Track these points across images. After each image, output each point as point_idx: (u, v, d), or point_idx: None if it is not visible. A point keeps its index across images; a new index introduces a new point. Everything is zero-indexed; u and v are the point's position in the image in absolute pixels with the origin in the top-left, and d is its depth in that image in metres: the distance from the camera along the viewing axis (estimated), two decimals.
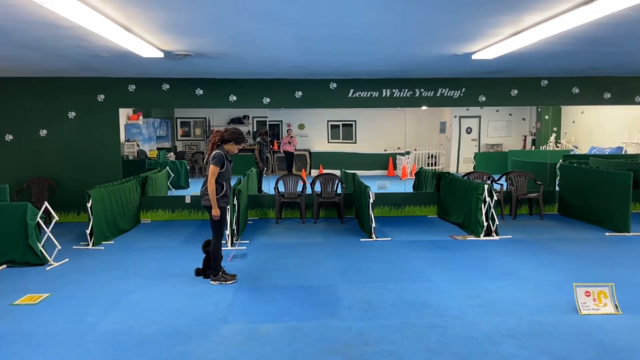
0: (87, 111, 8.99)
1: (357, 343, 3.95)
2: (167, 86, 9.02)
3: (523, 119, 18.46)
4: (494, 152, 17.42)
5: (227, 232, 7.06)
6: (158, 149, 17.27)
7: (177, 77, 8.93)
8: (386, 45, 5.87)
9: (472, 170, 15.37)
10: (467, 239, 7.58)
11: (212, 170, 5.28)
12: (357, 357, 3.71)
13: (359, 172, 10.33)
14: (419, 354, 3.76)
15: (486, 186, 7.57)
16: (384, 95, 9.36)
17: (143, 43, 5.47)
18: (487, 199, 7.52)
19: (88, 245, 7.11)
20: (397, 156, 17.39)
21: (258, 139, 13.99)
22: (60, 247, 6.44)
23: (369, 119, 18.47)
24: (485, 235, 7.57)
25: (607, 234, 7.78)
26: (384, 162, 17.71)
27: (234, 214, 7.40)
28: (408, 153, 17.50)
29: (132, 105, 9.32)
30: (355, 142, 19.36)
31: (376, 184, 11.07)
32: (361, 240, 7.55)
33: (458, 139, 17.89)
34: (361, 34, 5.26)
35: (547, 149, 17.39)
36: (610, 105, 9.85)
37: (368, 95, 9.37)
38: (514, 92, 9.44)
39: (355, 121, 19.31)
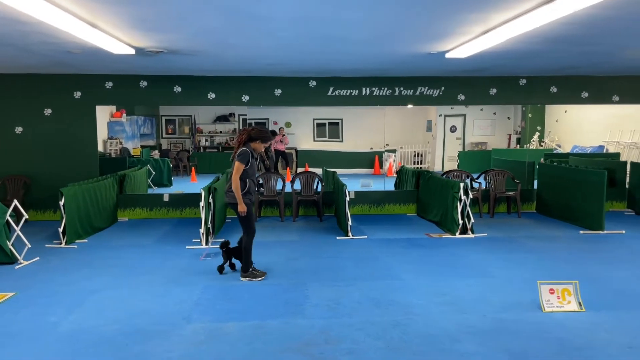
0: (64, 108, 8.90)
1: (318, 341, 3.94)
2: (145, 83, 8.95)
3: (508, 117, 18.56)
4: (478, 151, 17.50)
5: (202, 230, 7.04)
6: (142, 146, 17.16)
7: (154, 74, 8.86)
8: (357, 43, 5.86)
9: (456, 168, 15.45)
10: (443, 237, 7.60)
11: (237, 167, 5.31)
12: (317, 356, 3.70)
13: (346, 171, 10.38)
14: (379, 352, 3.76)
15: (462, 184, 7.59)
16: (363, 93, 9.36)
17: (112, 39, 5.41)
18: (463, 197, 7.55)
19: (61, 243, 7.04)
20: (385, 153, 17.39)
21: None
22: (29, 246, 6.37)
23: (355, 117, 18.46)
24: (460, 234, 7.60)
25: (581, 232, 7.84)
26: (370, 160, 17.70)
27: (209, 212, 7.36)
28: (394, 151, 17.55)
29: (109, 103, 9.24)
30: (341, 141, 19.34)
31: (360, 183, 11.09)
32: (337, 238, 7.55)
33: (442, 138, 17.97)
34: (331, 31, 5.24)
35: (530, 147, 17.52)
36: (588, 104, 9.94)
37: (348, 94, 9.36)
38: (493, 91, 9.49)
39: (341, 119, 19.29)
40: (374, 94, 9.38)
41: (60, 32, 5.03)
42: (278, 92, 9.21)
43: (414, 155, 17.90)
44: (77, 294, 5.07)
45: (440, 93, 9.44)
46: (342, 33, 5.33)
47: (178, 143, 19.50)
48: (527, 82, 9.48)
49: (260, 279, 5.48)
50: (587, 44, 6.03)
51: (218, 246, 6.64)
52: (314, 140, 19.49)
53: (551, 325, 4.21)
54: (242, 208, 5.36)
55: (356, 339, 3.98)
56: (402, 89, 9.38)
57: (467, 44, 5.84)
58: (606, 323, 4.26)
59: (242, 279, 5.48)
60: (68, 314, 4.55)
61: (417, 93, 9.43)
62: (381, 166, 17.33)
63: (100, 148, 14.81)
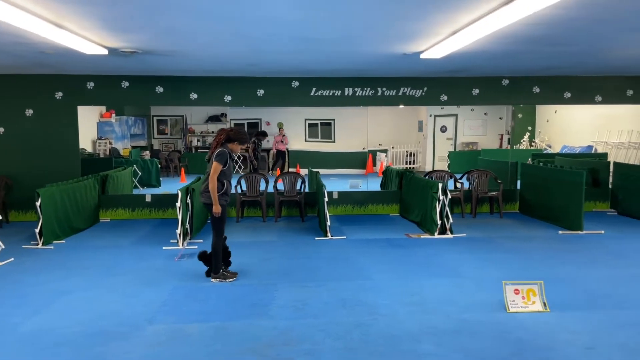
0: (45, 109, 8.89)
1: (278, 342, 3.94)
2: (127, 84, 8.94)
3: (500, 118, 18.56)
4: (468, 151, 17.51)
5: (178, 231, 7.03)
6: (133, 147, 17.14)
7: (136, 75, 8.86)
8: (328, 43, 5.85)
9: (446, 168, 15.49)
10: (422, 237, 7.60)
11: (215, 167, 5.29)
12: (274, 357, 3.70)
13: (338, 171, 10.36)
14: (337, 353, 3.75)
15: (440, 185, 7.59)
16: (346, 93, 9.36)
17: (81, 40, 5.40)
18: (441, 197, 7.55)
19: (38, 244, 7.03)
20: (378, 153, 17.43)
21: (253, 139, 14.07)
22: (3, 247, 6.36)
23: (347, 118, 18.45)
24: (439, 234, 7.59)
25: (560, 232, 7.84)
26: (362, 160, 17.71)
27: (187, 213, 7.36)
28: (385, 151, 17.60)
29: (91, 103, 9.22)
30: (334, 141, 19.34)
31: (349, 183, 11.08)
32: (316, 238, 7.54)
33: (433, 138, 17.98)
34: (298, 31, 5.24)
35: (521, 147, 17.54)
36: (571, 104, 9.95)
37: (330, 94, 9.36)
38: (476, 91, 9.49)
39: (333, 120, 19.28)
40: (357, 94, 9.38)
41: (26, 32, 5.02)
42: (261, 92, 9.20)
43: (407, 155, 17.95)
44: (46, 296, 5.06)
45: (423, 93, 9.44)
46: (311, 33, 5.32)
47: (170, 143, 19.48)
48: (510, 82, 9.49)
49: (230, 280, 5.48)
50: (559, 44, 6.03)
51: (195, 247, 6.64)
52: (306, 141, 19.49)
53: (513, 326, 4.21)
54: (217, 209, 5.36)
55: (316, 340, 3.98)
56: (384, 89, 9.38)
57: (439, 45, 5.83)
58: (570, 324, 4.27)
59: (213, 280, 5.47)
60: (33, 315, 4.54)
61: (400, 93, 9.43)
62: (374, 165, 17.35)
63: (89, 148, 14.84)
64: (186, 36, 5.44)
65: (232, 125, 18.74)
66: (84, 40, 5.46)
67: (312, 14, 4.61)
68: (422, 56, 6.54)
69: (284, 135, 16.96)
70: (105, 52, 6.08)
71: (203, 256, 5.61)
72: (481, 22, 4.65)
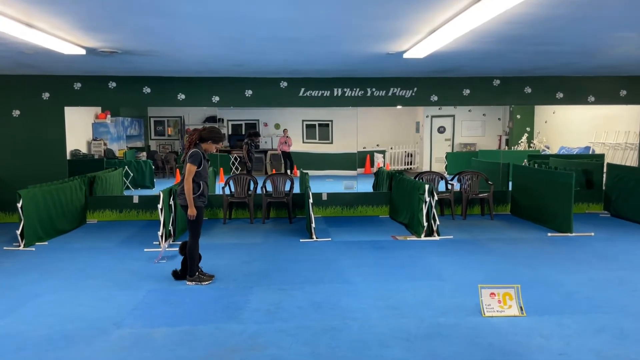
0: (32, 110, 8.85)
1: (244, 347, 3.85)
2: (114, 84, 8.89)
3: (498, 119, 18.42)
4: (465, 152, 17.39)
5: (160, 233, 6.96)
6: (130, 148, 17.11)
7: (123, 76, 8.81)
8: (309, 43, 5.77)
9: (444, 169, 15.40)
10: (408, 239, 7.50)
11: (189, 169, 5.20)
12: None
13: (335, 172, 10.29)
14: (302, 358, 3.67)
15: (427, 186, 7.49)
16: (335, 94, 9.28)
17: (57, 40, 5.34)
18: (428, 198, 7.45)
19: (19, 246, 6.98)
20: (375, 154, 17.37)
21: (246, 140, 14.04)
22: None
23: (345, 119, 18.30)
24: (426, 236, 7.49)
25: (549, 234, 7.72)
26: (360, 161, 17.59)
27: (171, 214, 7.29)
28: (383, 152, 17.53)
29: (78, 104, 9.16)
30: (331, 142, 19.25)
31: (343, 184, 10.99)
32: (301, 240, 7.45)
33: (429, 139, 17.88)
34: (275, 31, 5.16)
35: (519, 149, 17.40)
36: (563, 104, 9.83)
37: (319, 94, 9.28)
38: (466, 91, 9.38)
39: (331, 121, 19.19)
40: (346, 94, 9.29)
41: (2, 32, 4.97)
42: (249, 92, 9.13)
43: (405, 156, 17.86)
44: (18, 298, 4.99)
45: (413, 94, 9.35)
46: (288, 32, 5.24)
47: (167, 144, 19.44)
48: (501, 82, 9.38)
49: (206, 283, 5.40)
50: (542, 43, 5.92)
51: (176, 249, 6.57)
52: (303, 142, 19.41)
53: (487, 331, 4.11)
54: (192, 212, 5.27)
55: (283, 345, 3.89)
56: (374, 89, 9.29)
57: (420, 44, 5.73)
58: (545, 328, 4.16)
59: (189, 283, 5.39)
60: (1, 318, 4.47)
61: (390, 94, 9.33)
62: (372, 165, 17.26)
63: (84, 149, 14.80)
64: (161, 36, 5.36)
65: (230, 126, 18.73)
66: (60, 40, 5.40)
67: (285, 13, 4.52)
68: (405, 56, 6.45)
69: (287, 137, 16.92)
70: (82, 51, 6.02)
71: (183, 248, 5.53)
72: (456, 20, 4.55)
